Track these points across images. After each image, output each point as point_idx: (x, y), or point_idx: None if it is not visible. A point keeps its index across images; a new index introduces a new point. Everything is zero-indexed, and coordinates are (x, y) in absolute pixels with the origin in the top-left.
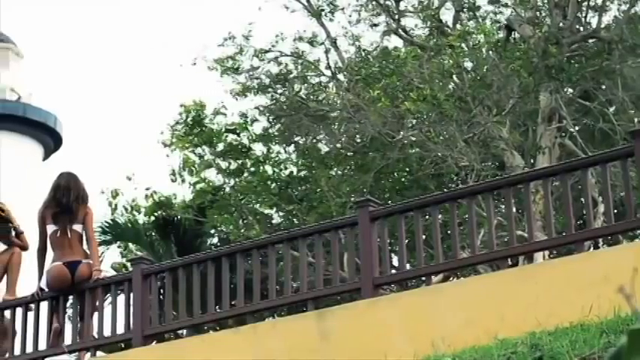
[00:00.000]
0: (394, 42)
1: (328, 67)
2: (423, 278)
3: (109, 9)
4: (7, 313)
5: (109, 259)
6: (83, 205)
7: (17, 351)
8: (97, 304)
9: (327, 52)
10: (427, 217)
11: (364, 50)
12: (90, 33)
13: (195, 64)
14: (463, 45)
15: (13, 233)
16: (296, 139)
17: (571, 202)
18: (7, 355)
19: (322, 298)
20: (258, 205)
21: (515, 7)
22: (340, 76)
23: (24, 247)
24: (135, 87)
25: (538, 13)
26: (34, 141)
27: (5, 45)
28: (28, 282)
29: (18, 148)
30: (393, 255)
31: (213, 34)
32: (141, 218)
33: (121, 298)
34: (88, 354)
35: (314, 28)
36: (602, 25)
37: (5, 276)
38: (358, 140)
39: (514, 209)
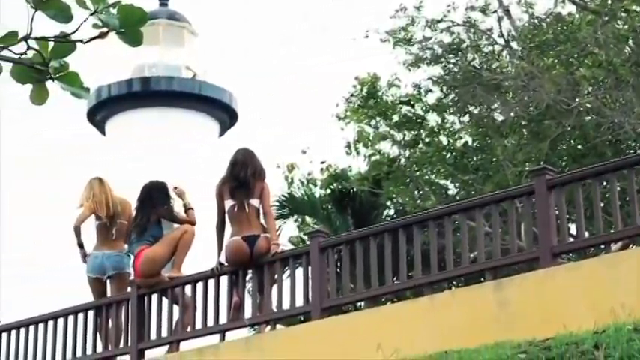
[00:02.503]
0: (568, 8)
1: (501, 35)
2: (602, 246)
3: None
4: (188, 288)
5: (287, 233)
6: (260, 180)
7: (198, 325)
8: (276, 277)
9: (499, 20)
10: (604, 184)
11: (537, 17)
12: (263, 8)
13: (367, 36)
14: (638, 9)
15: (183, 209)
16: (470, 108)
17: None
18: (188, 329)
19: (500, 267)
20: (433, 175)
21: None
22: (513, 44)
23: (191, 223)
24: (308, 61)
25: None
26: (210, 118)
27: (180, 24)
28: (207, 256)
29: (194, 125)
30: (570, 224)
31: (385, 6)
32: (317, 191)
33: (299, 271)
34: (268, 327)
35: None
36: None
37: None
38: (533, 109)
39: None
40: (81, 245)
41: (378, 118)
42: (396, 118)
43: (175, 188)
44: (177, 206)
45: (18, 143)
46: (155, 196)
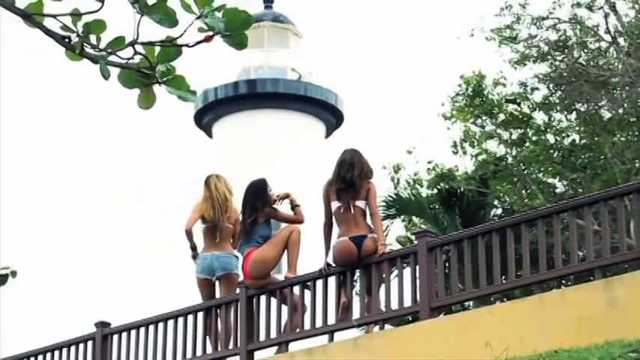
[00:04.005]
0: None
1: (608, 31)
2: None
3: None
4: (296, 289)
5: (394, 233)
6: (366, 180)
7: (307, 326)
8: (384, 277)
9: (606, 16)
10: None
11: None
12: (366, 8)
13: (472, 35)
14: None
15: (289, 207)
16: (577, 106)
17: None
18: (297, 330)
19: (609, 266)
20: (540, 174)
21: None
22: (620, 41)
23: (300, 221)
24: (413, 61)
25: None
26: (316, 119)
27: (284, 25)
28: (314, 257)
29: (300, 127)
30: None
31: (490, 5)
32: (423, 191)
33: (406, 271)
34: (377, 327)
35: None
36: None
37: (286, 253)
38: None
39: None
40: (194, 248)
41: (484, 117)
42: (502, 116)
43: (278, 196)
44: (285, 205)
45: (125, 144)
46: (257, 196)
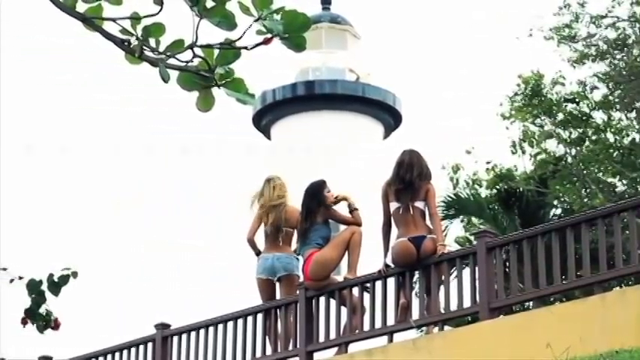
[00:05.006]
0: None
1: None
2: None
3: None
4: (356, 290)
5: (453, 234)
6: (425, 181)
7: (366, 327)
8: (443, 278)
9: None
10: None
11: None
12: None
13: (531, 34)
14: None
15: (347, 211)
16: (637, 104)
17: None
18: (357, 331)
19: None
20: (600, 173)
21: None
22: None
23: (357, 224)
24: (471, 61)
25: None
26: (374, 120)
27: (342, 27)
28: (373, 258)
29: (358, 128)
30: None
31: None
32: (483, 191)
33: (466, 272)
34: (436, 328)
35: None
36: None
37: (346, 255)
38: None
39: None
40: (259, 254)
41: (542, 117)
42: (560, 116)
43: (336, 197)
44: (342, 207)
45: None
46: (312, 197)
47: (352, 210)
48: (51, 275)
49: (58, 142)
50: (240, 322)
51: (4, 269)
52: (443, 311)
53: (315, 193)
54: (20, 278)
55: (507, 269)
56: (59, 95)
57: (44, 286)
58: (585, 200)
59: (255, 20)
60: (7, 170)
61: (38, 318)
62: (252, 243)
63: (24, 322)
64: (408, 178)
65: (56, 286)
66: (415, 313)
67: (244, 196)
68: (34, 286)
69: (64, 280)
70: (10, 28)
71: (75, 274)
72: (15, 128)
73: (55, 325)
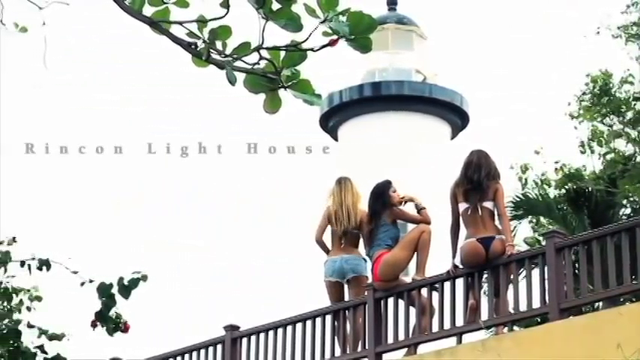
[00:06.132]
0: None
1: None
2: None
3: None
4: (424, 291)
5: (521, 234)
6: (494, 181)
7: (435, 328)
8: (512, 278)
9: None
10: None
11: None
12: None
13: (599, 33)
14: None
15: (415, 210)
16: None
17: None
18: (425, 332)
19: None
20: None
21: None
22: None
23: (426, 222)
24: (538, 60)
25: None
26: (441, 120)
27: (408, 27)
28: (441, 259)
29: (425, 129)
30: None
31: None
32: (551, 192)
33: (535, 273)
34: (505, 329)
35: None
36: None
37: (415, 255)
38: None
39: None
40: (328, 253)
41: (611, 116)
42: (630, 114)
43: (402, 198)
44: (409, 207)
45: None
46: (377, 198)
47: (420, 209)
48: (121, 278)
49: (57, 142)
50: (309, 323)
51: (75, 272)
52: (512, 312)
53: (380, 193)
54: (91, 281)
55: (577, 270)
56: (59, 95)
57: (114, 290)
58: None
59: (321, 22)
60: (7, 170)
61: (108, 321)
62: (321, 243)
63: (94, 324)
64: (476, 179)
65: (126, 289)
66: (484, 314)
67: (318, 196)
68: (104, 290)
69: (134, 283)
70: (9, 28)
71: (145, 278)
72: (15, 129)
73: (125, 328)
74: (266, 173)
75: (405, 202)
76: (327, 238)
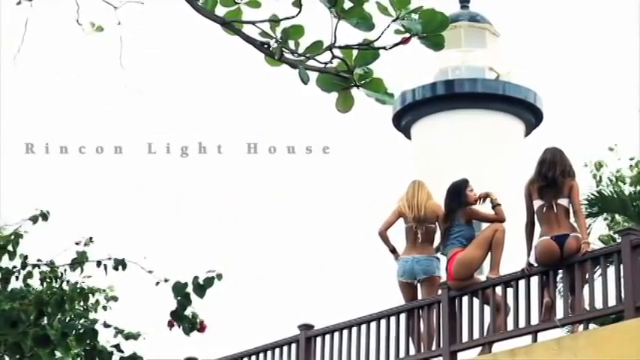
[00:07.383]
0: None
1: None
2: None
3: None
4: (499, 289)
5: (596, 232)
6: (569, 178)
7: (510, 326)
8: (587, 276)
9: None
10: None
11: None
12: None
13: None
14: None
15: (490, 207)
16: None
17: None
18: (500, 330)
19: None
20: None
21: None
22: None
23: (500, 220)
24: (612, 56)
25: None
26: (515, 118)
27: (481, 25)
28: (516, 257)
29: (499, 126)
30: None
31: None
32: (626, 188)
33: (610, 270)
34: (581, 327)
35: None
36: None
37: (489, 253)
38: None
39: None
40: (393, 250)
41: None
42: None
43: (479, 196)
44: (485, 205)
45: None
46: (453, 197)
47: (495, 205)
48: (196, 278)
49: (58, 142)
50: (383, 322)
51: (150, 272)
52: (587, 310)
53: (458, 192)
54: (166, 281)
55: None
56: (59, 95)
57: (189, 289)
58: None
59: (394, 20)
60: (7, 170)
61: (184, 320)
62: (383, 237)
63: (170, 324)
64: (551, 176)
65: (201, 288)
66: (559, 312)
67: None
68: (179, 289)
69: (209, 282)
70: (9, 28)
71: (220, 277)
72: (15, 129)
73: (201, 328)
74: (266, 173)
75: (482, 199)
76: (402, 238)
